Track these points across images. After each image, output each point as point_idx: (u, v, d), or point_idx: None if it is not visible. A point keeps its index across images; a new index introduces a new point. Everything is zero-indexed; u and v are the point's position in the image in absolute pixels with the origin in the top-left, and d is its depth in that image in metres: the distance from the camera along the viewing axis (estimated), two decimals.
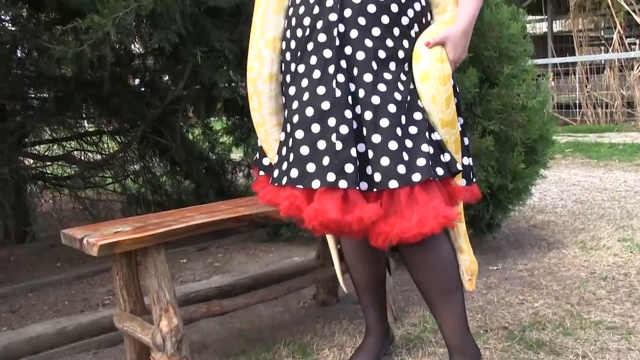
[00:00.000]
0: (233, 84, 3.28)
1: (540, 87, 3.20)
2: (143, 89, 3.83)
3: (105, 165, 4.13)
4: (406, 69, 1.64)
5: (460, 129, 1.72)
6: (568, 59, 9.99)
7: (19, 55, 3.59)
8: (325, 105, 1.55)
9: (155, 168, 4.19)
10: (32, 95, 3.85)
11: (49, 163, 4.05)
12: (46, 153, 4.17)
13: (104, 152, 4.24)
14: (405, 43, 1.64)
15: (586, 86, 9.85)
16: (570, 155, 6.72)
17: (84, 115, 4.05)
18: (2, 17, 3.25)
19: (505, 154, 2.96)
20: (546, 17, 11.26)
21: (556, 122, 3.43)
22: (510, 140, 2.96)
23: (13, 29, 3.31)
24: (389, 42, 1.61)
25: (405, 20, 1.64)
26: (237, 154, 4.28)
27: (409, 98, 1.60)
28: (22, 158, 3.66)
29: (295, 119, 1.59)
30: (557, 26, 12.31)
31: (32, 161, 3.92)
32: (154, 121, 3.57)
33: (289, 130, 1.62)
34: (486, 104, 2.90)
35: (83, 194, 4.31)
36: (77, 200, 4.24)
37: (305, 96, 1.58)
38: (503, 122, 2.93)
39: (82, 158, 4.24)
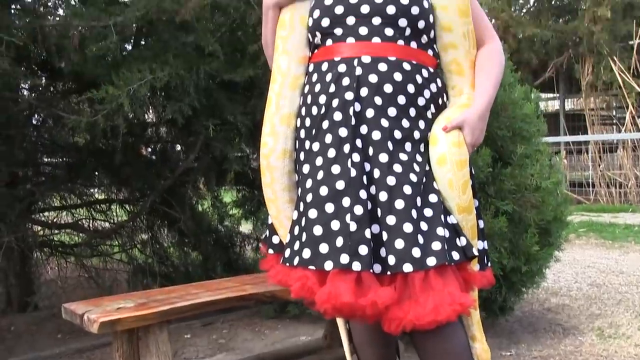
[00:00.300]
0: (244, 157, 3.27)
1: (554, 167, 3.17)
2: (154, 159, 3.83)
3: (113, 234, 4.09)
4: (422, 150, 1.61)
5: (476, 212, 1.68)
6: (580, 138, 10.02)
7: (34, 122, 3.62)
8: (340, 185, 1.51)
9: (163, 239, 4.14)
10: (44, 162, 3.86)
11: (56, 231, 4.02)
12: (55, 220, 4.15)
13: (112, 221, 4.21)
14: (421, 124, 1.62)
15: (599, 165, 9.83)
16: (584, 235, 6.62)
17: (94, 183, 4.04)
18: (22, 85, 3.30)
19: (519, 235, 2.91)
20: (558, 95, 11.37)
21: (570, 202, 3.38)
22: (524, 221, 2.91)
23: (30, 96, 3.36)
24: (405, 123, 1.59)
25: (421, 101, 1.63)
26: (246, 227, 4.24)
27: (424, 180, 1.56)
28: (29, 225, 3.63)
29: (309, 197, 1.55)
30: (569, 104, 12.41)
31: (39, 228, 3.89)
32: (164, 192, 3.55)
33: (302, 209, 1.58)
34: (499, 184, 2.86)
35: (89, 262, 4.26)
36: (82, 268, 4.19)
37: (320, 175, 1.55)
38: (516, 202, 2.88)
39: (91, 226, 4.20)
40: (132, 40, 3.18)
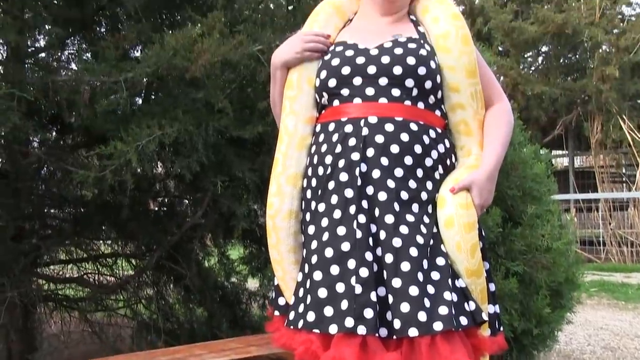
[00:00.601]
0: (252, 214, 3.25)
1: (565, 227, 3.13)
2: (161, 214, 3.82)
3: (118, 289, 4.05)
4: (429, 211, 1.59)
5: (486, 275, 1.65)
6: (590, 196, 9.96)
7: (42, 175, 3.63)
8: (345, 247, 1.49)
9: (169, 295, 4.10)
10: (51, 214, 3.86)
11: (61, 285, 3.99)
12: (60, 273, 4.12)
13: (118, 276, 4.17)
14: (429, 185, 1.61)
15: (610, 223, 9.74)
16: (595, 295, 6.51)
17: (100, 237, 4.02)
18: (31, 138, 3.32)
19: (530, 296, 2.85)
20: (567, 152, 11.37)
21: (581, 261, 3.33)
22: (535, 283, 2.86)
23: (39, 149, 3.37)
24: (412, 184, 1.57)
25: (428, 162, 1.61)
26: (253, 284, 4.19)
27: (431, 242, 1.54)
28: (34, 279, 3.60)
29: (314, 259, 1.52)
30: (578, 161, 12.40)
31: (43, 281, 3.86)
32: (170, 247, 3.53)
33: (306, 270, 1.55)
34: (509, 244, 2.83)
35: (93, 316, 4.20)
36: (86, 323, 4.13)
37: (325, 236, 1.53)
38: (527, 263, 2.84)
39: (96, 280, 4.17)
40: (142, 95, 3.21)
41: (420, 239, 1.51)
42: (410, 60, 1.61)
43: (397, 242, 1.49)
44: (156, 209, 3.96)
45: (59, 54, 3.37)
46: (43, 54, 3.29)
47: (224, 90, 2.89)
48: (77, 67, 3.15)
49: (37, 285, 3.67)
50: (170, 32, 2.77)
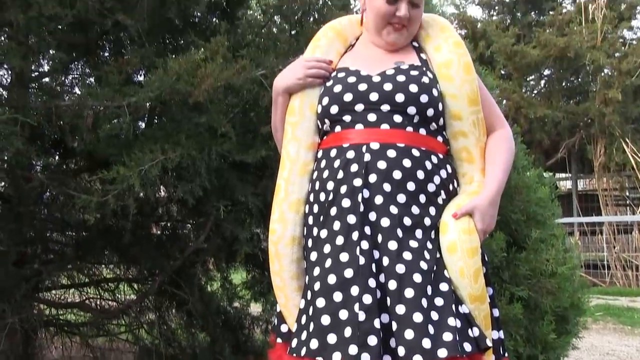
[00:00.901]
0: (255, 238, 3.23)
1: (570, 251, 3.11)
2: (164, 238, 3.81)
3: (120, 314, 4.02)
4: (432, 236, 1.59)
5: (490, 300, 1.63)
6: (594, 219, 9.92)
7: (44, 199, 3.63)
8: (348, 273, 1.48)
9: (171, 320, 4.07)
10: (53, 239, 3.85)
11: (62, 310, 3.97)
12: (61, 298, 4.10)
13: (120, 301, 4.15)
14: (432, 210, 1.60)
15: (614, 247, 9.69)
16: (601, 320, 6.45)
17: (103, 262, 4.01)
18: (34, 163, 3.32)
19: (535, 322, 2.82)
20: (570, 175, 11.35)
21: (586, 286, 3.30)
22: (540, 308, 2.84)
23: (42, 174, 3.37)
24: (415, 209, 1.57)
25: (431, 187, 1.61)
26: (256, 308, 4.16)
27: (435, 267, 1.53)
28: (35, 304, 3.58)
29: (317, 286, 1.51)
30: (582, 184, 12.38)
31: (44, 306, 3.84)
32: (173, 272, 3.51)
33: (309, 297, 1.54)
34: (514, 269, 2.81)
35: (95, 342, 4.17)
36: (88, 348, 4.10)
37: (328, 263, 1.52)
38: (532, 288, 2.82)
39: (97, 305, 4.14)
40: (145, 119, 3.22)
41: (424, 265, 1.50)
42: (413, 88, 1.61)
43: (400, 268, 1.48)
44: (159, 232, 3.95)
45: (63, 78, 3.39)
46: (47, 79, 3.30)
47: (227, 114, 2.90)
48: (80, 92, 3.16)
49: (38, 310, 3.65)
50: (174, 56, 2.79)
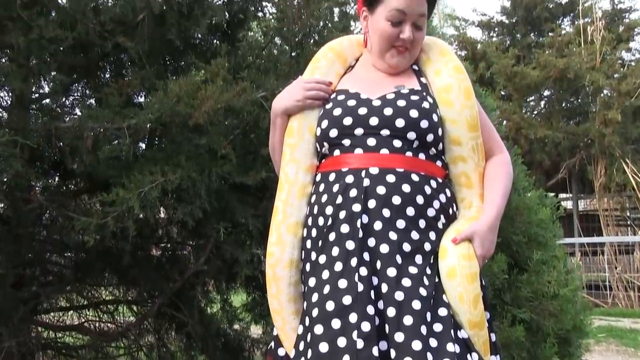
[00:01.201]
0: (255, 260, 3.21)
1: (571, 273, 3.09)
2: (163, 260, 3.79)
3: (119, 337, 3.99)
4: (432, 261, 1.57)
5: (488, 325, 1.61)
6: (595, 239, 9.89)
7: (44, 221, 3.62)
8: (347, 300, 1.46)
9: (171, 342, 4.04)
10: (52, 260, 3.83)
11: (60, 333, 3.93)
12: (59, 320, 4.07)
13: (119, 323, 4.12)
14: (432, 235, 1.59)
15: (616, 267, 9.65)
16: (603, 341, 6.40)
17: (102, 284, 3.98)
18: (33, 184, 3.32)
19: (537, 344, 2.80)
20: (571, 195, 11.33)
21: (589, 308, 3.27)
22: (542, 330, 2.81)
23: (41, 195, 3.37)
24: (415, 235, 1.56)
25: (431, 212, 1.60)
26: (256, 330, 4.13)
27: (434, 293, 1.52)
28: (33, 326, 3.55)
29: (315, 312, 1.49)
30: (582, 204, 12.35)
31: (42, 329, 3.81)
32: (172, 294, 3.49)
33: (307, 323, 1.52)
34: (516, 291, 2.79)
35: None
36: None
37: (326, 289, 1.50)
38: (534, 310, 2.79)
39: (96, 328, 4.11)
40: (145, 141, 3.22)
41: (423, 292, 1.48)
42: (413, 113, 1.61)
43: (399, 295, 1.47)
44: (158, 254, 3.93)
45: (63, 99, 3.39)
46: (47, 100, 3.31)
47: (227, 136, 2.89)
48: (81, 113, 3.16)
49: (36, 333, 3.62)
50: (174, 78, 2.80)
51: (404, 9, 1.65)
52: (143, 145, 3.24)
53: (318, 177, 1.69)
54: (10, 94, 3.18)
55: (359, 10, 1.79)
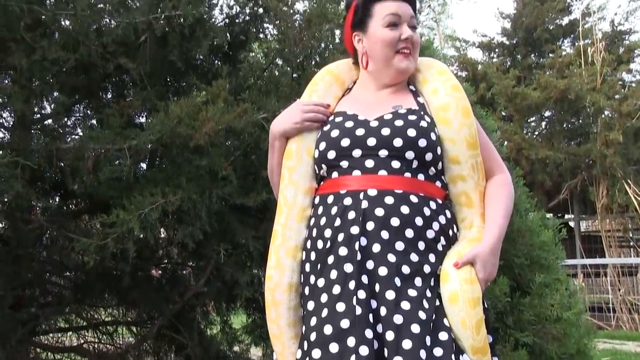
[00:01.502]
0: (255, 282, 3.20)
1: (574, 296, 3.07)
2: (163, 281, 3.77)
3: (118, 358, 3.96)
4: (432, 284, 1.55)
5: (490, 349, 1.59)
6: (598, 261, 9.84)
7: (43, 242, 3.61)
8: (345, 324, 1.45)
9: None
10: (52, 281, 3.81)
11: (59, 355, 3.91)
12: (58, 341, 4.04)
13: (118, 345, 4.09)
14: (432, 257, 1.57)
15: (619, 289, 9.59)
16: None
17: (101, 304, 3.96)
18: (34, 204, 3.31)
19: None
20: (573, 216, 11.30)
21: (592, 331, 3.24)
22: (545, 354, 2.78)
23: (42, 216, 3.36)
24: (414, 257, 1.54)
25: (430, 234, 1.58)
26: (256, 353, 4.10)
27: (434, 316, 1.49)
28: (31, 348, 3.53)
29: (313, 336, 1.48)
30: (584, 225, 12.31)
31: (40, 350, 3.78)
32: (172, 316, 3.46)
33: (305, 347, 1.51)
34: (518, 314, 2.77)
35: None
36: None
37: (324, 313, 1.49)
38: (537, 334, 2.77)
39: (95, 349, 4.08)
40: (146, 161, 3.22)
41: (422, 315, 1.46)
42: (411, 132, 1.60)
43: (398, 319, 1.45)
44: (158, 275, 3.91)
45: (65, 120, 3.40)
46: (49, 121, 3.31)
47: (228, 157, 2.89)
48: (82, 133, 3.17)
49: (34, 355, 3.59)
50: (175, 99, 2.80)
51: (397, 11, 1.69)
52: (144, 166, 3.24)
53: (317, 200, 1.68)
54: (12, 114, 3.18)
55: (348, 41, 1.80)
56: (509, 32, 11.11)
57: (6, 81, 3.07)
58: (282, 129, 1.74)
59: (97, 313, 4.13)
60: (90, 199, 3.19)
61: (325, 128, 1.69)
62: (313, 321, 1.51)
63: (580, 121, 10.09)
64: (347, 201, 1.58)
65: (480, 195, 1.70)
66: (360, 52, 1.77)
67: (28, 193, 2.72)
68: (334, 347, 1.44)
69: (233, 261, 3.00)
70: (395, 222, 1.54)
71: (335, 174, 1.64)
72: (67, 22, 2.83)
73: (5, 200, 2.80)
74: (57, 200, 3.44)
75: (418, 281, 1.52)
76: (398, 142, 1.59)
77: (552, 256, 2.97)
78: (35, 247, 3.43)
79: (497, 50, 11.38)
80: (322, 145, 1.66)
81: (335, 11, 3.00)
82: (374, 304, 1.48)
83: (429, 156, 1.61)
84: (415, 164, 1.61)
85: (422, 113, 1.67)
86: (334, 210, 1.59)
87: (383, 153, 1.60)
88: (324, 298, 1.52)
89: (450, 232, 1.64)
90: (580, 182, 9.77)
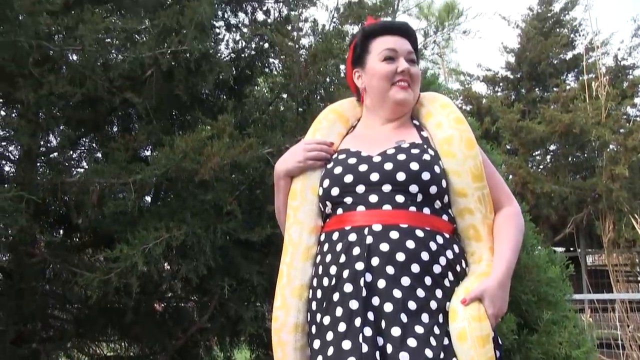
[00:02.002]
0: (259, 317, 3.17)
1: (583, 333, 3.02)
2: (167, 316, 3.74)
3: None
4: (440, 320, 1.52)
5: None
6: (605, 296, 9.74)
7: (47, 275, 3.59)
8: None
9: None
10: (54, 315, 3.78)
11: None
12: None
13: None
14: (439, 292, 1.54)
15: (628, 325, 9.46)
16: None
17: (103, 339, 3.92)
18: (37, 238, 3.30)
19: None
20: (579, 251, 11.22)
21: None
22: None
23: (46, 250, 3.34)
24: (420, 292, 1.51)
25: (437, 269, 1.55)
26: None
27: (442, 355, 1.46)
28: None
29: None
30: (591, 259, 12.22)
31: None
32: (175, 352, 3.43)
33: None
34: (526, 352, 2.72)
35: None
36: None
37: (330, 351, 1.46)
38: None
39: None
40: (150, 195, 3.21)
41: (429, 353, 1.43)
42: (414, 166, 1.59)
43: (404, 356, 1.42)
44: (162, 307, 3.88)
45: (71, 153, 3.41)
46: (55, 154, 3.32)
47: (232, 192, 2.89)
48: (88, 166, 3.17)
49: None
50: (181, 133, 2.80)
51: (393, 46, 1.72)
52: (149, 199, 3.23)
53: (322, 237, 1.66)
54: (18, 148, 3.19)
55: (350, 78, 1.83)
56: (513, 67, 11.17)
57: (13, 115, 3.08)
58: (286, 169, 1.74)
59: (99, 348, 4.08)
60: (95, 233, 3.18)
61: (329, 166, 1.69)
62: None
63: (586, 155, 10.08)
64: (352, 237, 1.56)
65: (488, 228, 1.67)
66: (360, 87, 1.78)
67: (32, 227, 2.72)
68: None
69: (237, 296, 2.97)
70: (400, 257, 1.52)
71: (340, 211, 1.63)
72: (75, 57, 2.85)
73: (9, 233, 2.79)
74: (61, 233, 3.43)
75: (425, 317, 1.49)
76: (401, 176, 1.58)
77: (560, 292, 2.93)
78: (38, 281, 3.41)
79: (501, 84, 11.44)
80: (326, 183, 1.66)
81: (341, 46, 3.02)
82: (380, 341, 1.45)
83: (433, 189, 1.60)
84: (419, 197, 1.59)
85: (425, 146, 1.66)
86: (339, 246, 1.57)
87: (387, 188, 1.59)
88: (329, 336, 1.50)
89: (458, 267, 1.61)
90: (586, 216, 9.73)
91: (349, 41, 1.83)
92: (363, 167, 1.62)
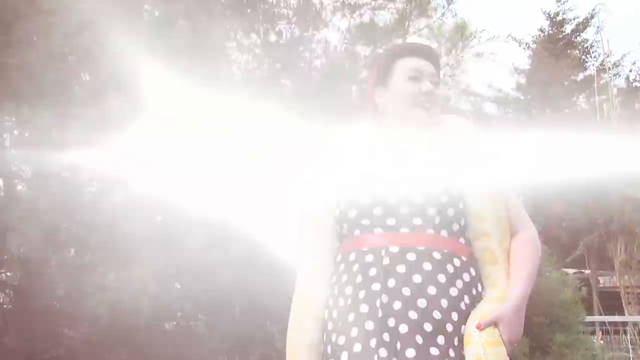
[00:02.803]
0: (270, 338, 3.16)
1: (597, 357, 3.00)
2: (177, 336, 3.73)
3: None
4: (456, 344, 1.51)
5: None
6: (617, 318, 9.65)
7: (58, 294, 3.59)
8: None
9: None
10: (64, 334, 3.78)
11: None
12: None
13: None
14: (454, 315, 1.53)
15: None
16: None
17: (112, 358, 3.91)
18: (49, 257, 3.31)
19: None
20: (590, 272, 11.15)
21: None
22: None
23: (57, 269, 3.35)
24: (437, 314, 1.50)
25: (453, 291, 1.54)
26: None
27: None
28: None
29: None
30: (602, 280, 12.13)
31: None
32: None
33: None
34: None
35: None
36: None
37: None
38: None
39: None
40: None
41: None
42: (432, 188, 1.59)
43: None
44: (172, 326, 3.87)
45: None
46: (67, 173, 3.33)
47: None
48: None
49: None
50: None
51: (418, 67, 1.74)
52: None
53: (339, 258, 1.66)
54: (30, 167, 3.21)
55: (371, 98, 1.84)
56: (523, 87, 11.19)
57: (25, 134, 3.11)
58: None
59: None
60: (107, 253, 3.18)
61: (346, 187, 1.69)
62: None
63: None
64: (369, 258, 1.56)
65: (505, 252, 1.66)
66: (381, 106, 1.79)
67: (44, 246, 2.72)
68: None
69: (249, 317, 2.96)
70: (417, 279, 1.51)
71: (357, 232, 1.63)
72: None
73: (21, 252, 2.80)
74: (73, 252, 3.43)
75: (440, 339, 1.48)
76: (419, 199, 1.58)
77: (572, 315, 2.92)
78: (49, 300, 3.41)
79: (512, 104, 11.45)
80: (343, 205, 1.66)
81: (354, 68, 3.03)
82: None
83: (451, 212, 1.60)
84: (437, 220, 1.59)
85: (442, 168, 1.66)
86: (355, 267, 1.57)
87: (404, 210, 1.59)
88: (344, 357, 1.49)
89: (474, 291, 1.60)
90: (597, 238, 9.68)
91: (370, 63, 1.85)
92: (380, 189, 1.62)
